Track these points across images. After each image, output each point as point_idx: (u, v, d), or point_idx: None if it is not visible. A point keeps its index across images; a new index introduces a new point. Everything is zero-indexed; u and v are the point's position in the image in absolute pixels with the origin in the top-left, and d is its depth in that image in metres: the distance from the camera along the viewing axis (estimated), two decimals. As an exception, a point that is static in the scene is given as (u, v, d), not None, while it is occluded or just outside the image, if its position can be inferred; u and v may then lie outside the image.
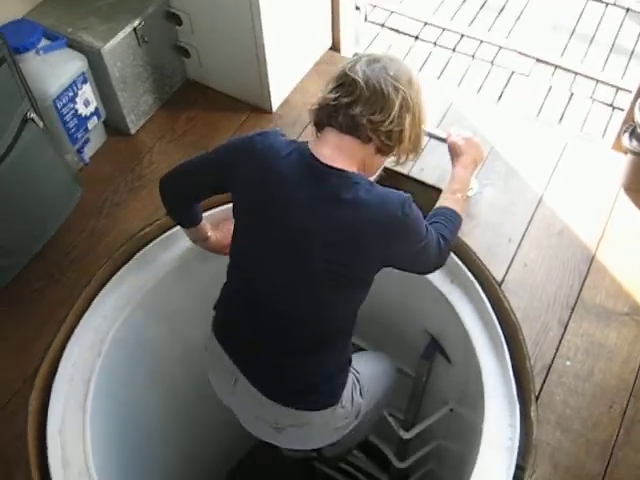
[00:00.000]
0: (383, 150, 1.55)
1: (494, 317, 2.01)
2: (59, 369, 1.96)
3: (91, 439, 1.88)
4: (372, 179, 1.60)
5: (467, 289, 2.11)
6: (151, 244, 2.20)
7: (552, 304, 2.03)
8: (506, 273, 2.10)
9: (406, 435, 2.50)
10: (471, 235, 2.17)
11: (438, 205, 1.80)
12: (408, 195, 1.54)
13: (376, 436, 2.68)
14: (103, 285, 2.12)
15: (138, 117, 2.48)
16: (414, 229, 1.56)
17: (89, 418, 1.91)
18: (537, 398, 1.88)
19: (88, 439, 1.87)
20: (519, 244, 2.15)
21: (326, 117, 1.51)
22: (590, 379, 1.90)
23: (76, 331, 2.03)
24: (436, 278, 2.13)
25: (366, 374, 1.92)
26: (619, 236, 2.16)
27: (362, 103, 1.44)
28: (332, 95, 1.47)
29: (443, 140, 2.04)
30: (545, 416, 1.85)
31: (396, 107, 1.45)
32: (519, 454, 1.80)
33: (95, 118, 2.29)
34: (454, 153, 1.91)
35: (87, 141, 2.34)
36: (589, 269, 2.09)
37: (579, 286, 2.06)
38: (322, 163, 1.49)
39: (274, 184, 1.54)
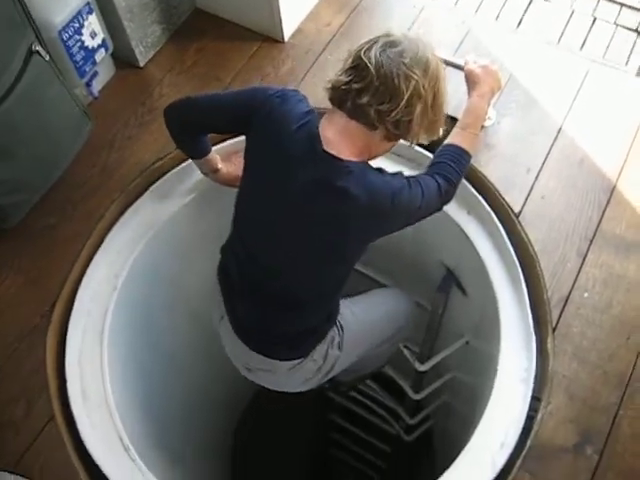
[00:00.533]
0: (390, 137, 1.54)
1: (511, 249, 1.99)
2: (75, 303, 1.98)
3: (109, 371, 1.90)
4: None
5: (484, 221, 2.07)
6: (164, 177, 2.18)
7: (570, 235, 2.00)
8: (524, 204, 2.06)
9: (421, 367, 2.52)
10: (489, 166, 2.13)
11: (447, 141, 1.78)
12: (401, 185, 1.57)
13: (392, 368, 2.69)
14: (116, 220, 2.12)
15: (147, 49, 2.41)
16: (406, 211, 1.61)
17: (107, 350, 1.93)
18: (554, 330, 1.87)
19: (106, 371, 1.90)
20: (538, 174, 2.11)
21: (337, 100, 1.50)
22: (608, 311, 1.89)
23: (91, 266, 2.04)
24: (452, 210, 2.09)
25: (365, 320, 1.99)
26: (641, 166, 2.11)
27: (371, 92, 1.41)
28: (344, 78, 1.45)
29: (460, 68, 1.98)
30: (562, 348, 1.84)
31: (405, 97, 1.41)
32: (535, 385, 1.81)
33: (103, 50, 2.23)
34: (471, 81, 1.86)
35: (95, 74, 2.28)
36: (609, 200, 2.05)
37: (598, 217, 2.02)
38: (323, 149, 1.51)
39: (280, 157, 1.59)
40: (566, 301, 1.91)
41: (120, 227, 2.10)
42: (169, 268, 2.27)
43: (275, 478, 3.41)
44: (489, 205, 2.07)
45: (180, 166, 2.18)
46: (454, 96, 2.21)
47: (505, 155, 2.15)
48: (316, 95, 2.29)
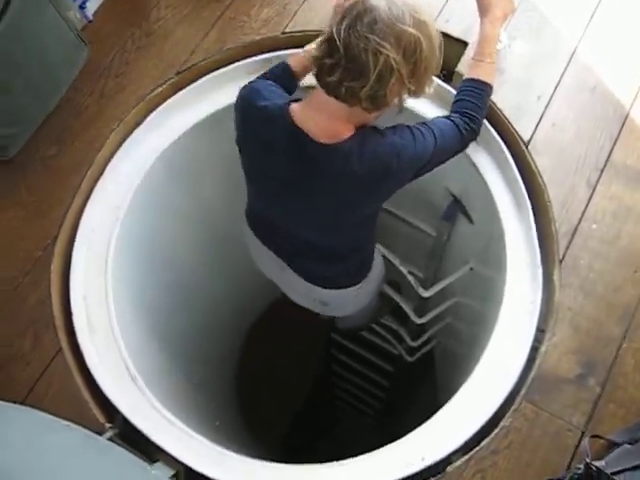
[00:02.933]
0: (371, 110, 1.45)
1: (519, 178, 1.95)
2: (77, 236, 1.96)
3: (114, 302, 1.91)
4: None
5: (492, 149, 2.02)
6: (164, 104, 2.13)
7: (581, 165, 1.96)
8: (534, 132, 2.01)
9: (425, 293, 2.53)
10: (498, 92, 2.05)
11: (467, 76, 1.76)
12: (404, 141, 1.55)
13: (396, 292, 2.71)
14: (116, 149, 2.07)
15: (142, -33, 2.31)
16: (414, 166, 1.61)
17: (111, 281, 1.93)
18: (561, 262, 1.85)
19: (111, 302, 1.91)
20: (549, 101, 2.04)
21: (315, 75, 1.43)
22: (616, 243, 1.86)
23: (92, 197, 2.01)
24: (460, 137, 2.05)
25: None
26: (657, 93, 2.04)
27: (341, 69, 1.35)
28: (317, 54, 1.39)
29: None
30: (568, 280, 1.83)
31: (374, 73, 1.33)
32: (540, 317, 1.81)
33: (96, -31, 2.13)
34: (482, 6, 1.78)
35: (89, -5, 2.19)
36: (622, 129, 1.99)
37: (610, 146, 1.97)
38: (311, 140, 1.50)
39: (269, 166, 1.66)
40: (574, 233, 1.88)
41: (120, 157, 2.07)
42: (171, 198, 2.25)
43: (280, 392, 3.48)
44: (497, 132, 2.01)
45: (180, 93, 2.13)
46: (463, 18, 2.15)
47: (515, 81, 2.08)
48: (318, 17, 2.22)
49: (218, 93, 2.15)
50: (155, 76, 2.16)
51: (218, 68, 2.16)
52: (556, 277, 1.84)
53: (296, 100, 1.56)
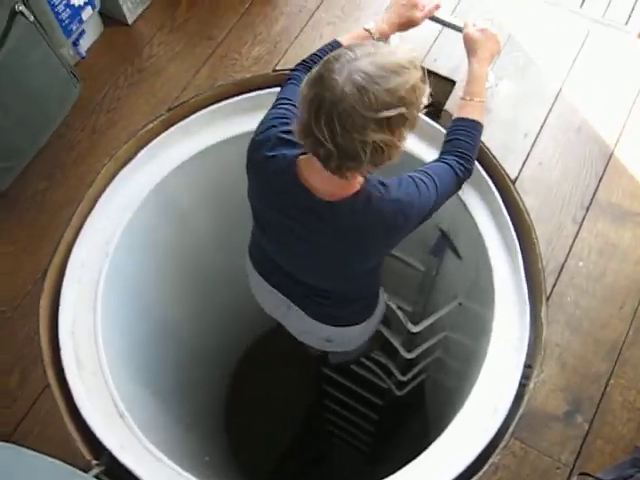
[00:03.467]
0: (372, 171, 1.45)
1: (507, 216, 1.98)
2: (67, 271, 1.96)
3: (103, 338, 1.90)
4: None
5: (480, 186, 2.05)
6: (155, 140, 2.14)
7: (567, 203, 1.99)
8: (521, 170, 2.04)
9: (414, 328, 2.53)
10: (485, 130, 2.05)
11: (457, 115, 1.78)
12: (410, 195, 1.56)
13: (385, 327, 2.71)
14: (107, 185, 2.08)
15: (135, 5, 2.33)
16: (420, 216, 1.61)
17: (100, 318, 1.93)
18: (548, 299, 1.87)
19: (100, 338, 1.90)
20: (535, 140, 2.08)
21: (310, 149, 1.40)
22: (602, 280, 1.89)
23: (82, 233, 2.02)
24: (448, 175, 2.07)
25: None
26: (639, 132, 2.08)
27: (336, 157, 1.33)
28: (308, 144, 1.37)
29: (458, 29, 1.94)
30: (555, 317, 1.85)
31: (367, 156, 1.32)
32: (528, 353, 1.82)
33: (89, 8, 2.15)
34: (470, 46, 1.82)
35: (82, 33, 2.21)
36: (606, 167, 2.03)
37: (595, 185, 2.01)
38: (316, 197, 1.51)
39: (275, 215, 1.65)
40: (561, 270, 1.90)
41: (111, 192, 2.07)
42: (162, 233, 2.26)
43: (269, 426, 3.46)
44: (485, 170, 2.04)
45: (171, 129, 2.15)
46: (451, 58, 2.19)
47: (502, 119, 2.12)
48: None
49: (209, 130, 2.17)
50: (146, 112, 2.18)
51: (209, 105, 2.18)
52: (543, 314, 1.86)
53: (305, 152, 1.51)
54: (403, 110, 1.29)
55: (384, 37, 1.80)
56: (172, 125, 2.16)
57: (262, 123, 1.63)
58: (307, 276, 1.83)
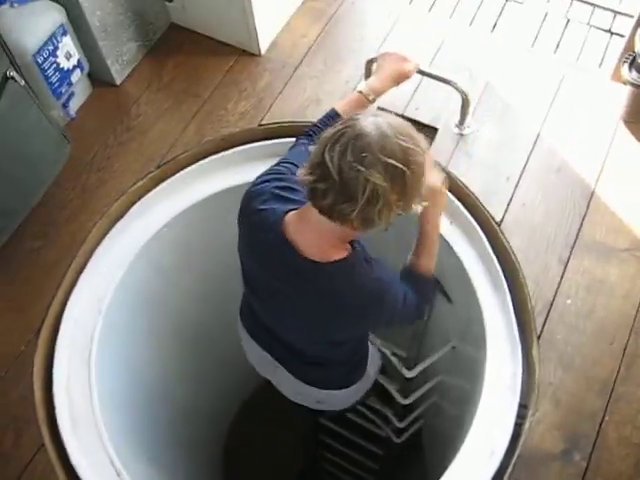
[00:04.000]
0: (360, 230, 1.47)
1: (494, 258, 2.01)
2: (61, 328, 1.97)
3: (98, 396, 1.90)
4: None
5: (466, 230, 2.09)
6: (145, 197, 2.18)
7: (552, 243, 2.02)
8: (505, 212, 2.08)
9: (409, 374, 2.53)
10: (469, 174, 2.14)
11: (409, 264, 1.83)
12: (389, 280, 1.63)
13: (380, 374, 2.70)
14: (99, 242, 2.11)
15: (123, 67, 2.40)
16: (390, 305, 1.65)
17: (94, 375, 1.92)
18: (539, 337, 1.89)
19: (95, 396, 1.89)
20: (517, 183, 2.13)
21: (308, 196, 1.44)
22: (591, 316, 1.91)
23: (75, 290, 2.03)
24: (435, 220, 2.11)
25: None
26: (619, 170, 2.13)
27: (334, 192, 1.36)
28: (310, 177, 1.39)
29: (444, 81, 2.02)
30: (547, 355, 1.86)
31: (363, 198, 1.35)
32: (521, 393, 1.83)
33: (78, 71, 2.22)
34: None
35: (72, 95, 2.27)
36: (588, 206, 2.07)
37: (579, 223, 2.05)
38: (300, 255, 1.52)
39: (260, 271, 1.69)
40: (550, 308, 1.93)
41: (103, 250, 2.10)
42: (154, 290, 2.27)
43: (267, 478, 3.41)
44: (471, 214, 2.09)
45: (160, 186, 2.18)
46: (433, 107, 2.25)
47: (485, 163, 2.17)
48: (293, 109, 2.31)
49: (198, 185, 2.21)
50: (136, 170, 2.22)
51: (197, 160, 2.22)
52: (535, 352, 1.87)
53: (295, 208, 1.55)
54: (407, 172, 1.34)
55: (379, 95, 1.81)
56: (162, 181, 2.19)
57: (259, 177, 1.66)
58: (292, 338, 1.85)
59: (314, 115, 2.28)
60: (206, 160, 2.22)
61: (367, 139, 1.33)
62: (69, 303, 2.01)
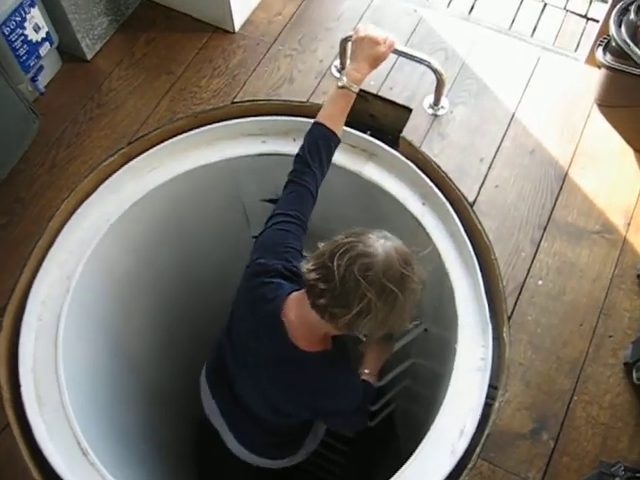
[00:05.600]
0: (344, 331, 1.60)
1: (466, 239, 2.01)
2: (27, 307, 1.94)
3: (65, 375, 1.87)
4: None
5: (439, 211, 2.08)
6: (115, 174, 2.14)
7: (524, 224, 2.02)
8: (478, 194, 2.07)
9: (381, 355, 2.52)
10: (442, 155, 2.14)
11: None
12: (355, 387, 1.84)
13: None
14: (67, 219, 2.07)
15: (94, 41, 2.35)
16: (341, 403, 1.83)
17: (62, 355, 1.89)
18: (509, 318, 1.89)
19: (62, 375, 1.87)
20: (491, 164, 2.12)
21: (306, 287, 1.55)
22: (561, 298, 1.91)
23: (42, 268, 1.99)
24: (408, 200, 2.11)
25: None
26: (592, 153, 2.14)
27: (331, 296, 1.47)
28: (313, 275, 1.50)
29: (419, 61, 2.02)
30: (517, 336, 1.87)
31: (354, 310, 1.46)
32: (492, 374, 1.83)
33: (47, 44, 2.16)
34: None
35: (41, 69, 2.21)
36: (561, 188, 2.07)
37: (551, 205, 2.05)
38: (288, 337, 1.66)
39: (247, 333, 1.81)
40: (521, 289, 1.93)
41: (71, 227, 2.06)
42: (124, 268, 2.24)
43: (239, 467, 3.40)
44: (444, 195, 2.08)
45: (131, 163, 2.15)
46: (407, 86, 2.24)
47: (458, 144, 2.16)
48: (267, 87, 2.29)
49: (169, 163, 2.18)
50: (106, 146, 2.18)
51: (169, 138, 2.19)
52: (505, 333, 1.87)
53: (299, 288, 1.65)
54: (400, 297, 1.47)
55: (360, 84, 1.82)
56: (132, 159, 2.16)
57: (273, 245, 1.76)
58: (250, 398, 1.98)
59: (288, 94, 2.27)
60: (178, 137, 2.19)
61: (375, 259, 1.45)
62: (36, 282, 1.97)
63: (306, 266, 1.52)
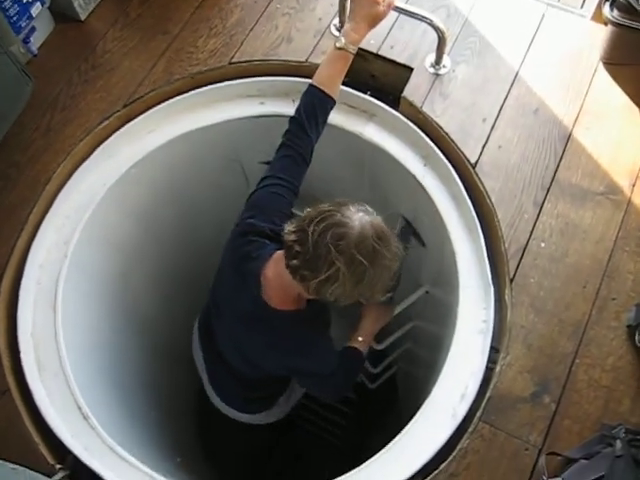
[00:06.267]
0: (314, 296, 1.62)
1: (468, 200, 1.97)
2: (25, 272, 1.93)
3: (64, 340, 1.86)
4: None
5: (441, 172, 2.05)
6: (111, 137, 2.11)
7: (527, 185, 1.99)
8: (480, 154, 2.03)
9: (383, 318, 2.51)
10: (444, 115, 2.09)
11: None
12: (320, 349, 1.84)
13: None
14: (64, 183, 2.05)
15: (87, 1, 2.29)
16: (310, 371, 1.89)
17: (61, 318, 1.89)
18: (511, 281, 1.87)
19: (61, 339, 1.86)
20: (494, 124, 2.08)
21: (284, 249, 1.60)
22: (564, 260, 1.89)
23: (39, 233, 1.98)
24: (409, 161, 2.07)
25: None
26: (597, 113, 2.09)
27: (303, 258, 1.53)
28: (291, 237, 1.56)
29: (420, 18, 1.96)
30: (519, 298, 1.85)
31: (324, 275, 1.52)
32: (493, 336, 1.82)
33: (39, 4, 2.11)
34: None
35: (33, 30, 2.17)
36: (565, 148, 2.03)
37: (555, 166, 2.01)
38: (261, 296, 1.73)
39: (228, 292, 1.88)
40: (523, 252, 1.90)
41: (68, 191, 2.04)
42: (122, 231, 2.22)
43: (240, 431, 3.43)
44: (445, 156, 2.04)
45: (128, 125, 2.12)
46: (408, 45, 2.19)
47: (461, 104, 2.11)
48: (264, 47, 2.24)
49: (166, 125, 2.14)
50: (102, 109, 2.15)
51: (166, 100, 2.15)
52: (507, 296, 1.86)
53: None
54: (369, 270, 1.52)
55: (358, 45, 1.79)
56: (129, 121, 2.13)
57: (264, 207, 1.79)
58: (230, 353, 2.04)
59: (286, 54, 2.22)
60: (175, 99, 2.15)
61: (348, 231, 1.51)
62: (33, 246, 1.96)
63: (288, 227, 1.58)
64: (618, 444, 1.58)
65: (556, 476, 1.58)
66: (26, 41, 2.15)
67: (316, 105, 1.79)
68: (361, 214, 1.54)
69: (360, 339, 2.05)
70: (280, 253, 1.66)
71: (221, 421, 2.43)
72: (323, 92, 1.79)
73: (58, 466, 1.71)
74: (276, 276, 1.69)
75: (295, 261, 1.54)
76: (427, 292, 2.45)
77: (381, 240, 1.53)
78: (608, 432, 1.65)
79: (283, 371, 1.98)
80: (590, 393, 1.74)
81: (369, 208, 1.58)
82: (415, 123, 2.09)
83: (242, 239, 1.78)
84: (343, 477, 1.69)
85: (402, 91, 2.13)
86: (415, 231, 2.31)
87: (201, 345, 2.22)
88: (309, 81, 1.81)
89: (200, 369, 2.28)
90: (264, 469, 3.88)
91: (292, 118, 1.81)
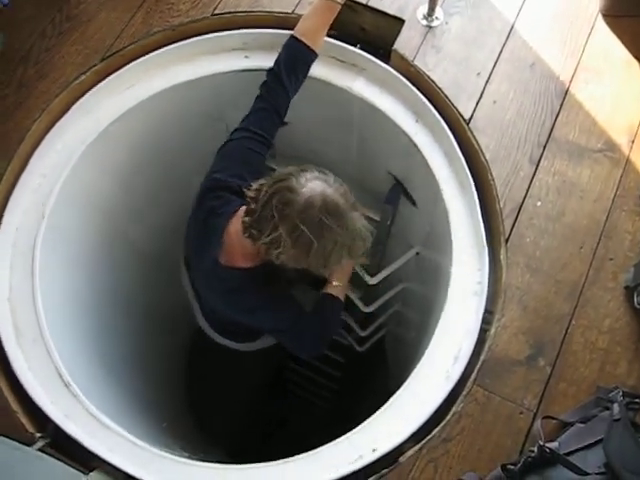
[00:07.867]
0: (262, 256, 1.62)
1: (462, 157, 1.91)
2: (0, 235, 1.85)
3: (43, 305, 1.80)
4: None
5: (433, 128, 1.98)
6: (89, 93, 2.03)
7: (523, 142, 1.92)
8: (474, 110, 1.97)
9: (372, 281, 2.47)
10: (437, 70, 2.02)
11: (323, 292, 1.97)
12: (275, 304, 1.79)
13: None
14: (39, 141, 1.97)
15: (60, -53, 2.18)
16: (274, 325, 1.86)
17: (39, 283, 1.82)
18: (507, 241, 1.82)
19: (40, 304, 1.80)
20: (488, 78, 2.01)
21: (248, 198, 1.60)
22: (561, 219, 1.84)
23: (15, 193, 1.90)
24: (400, 117, 2.01)
25: None
26: (595, 67, 2.02)
27: (252, 216, 1.55)
28: (251, 194, 1.57)
29: None
30: (515, 259, 1.80)
31: (267, 238, 1.52)
32: (488, 298, 1.77)
33: (9, -51, 2.00)
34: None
35: (3, -22, 2.06)
36: (562, 104, 1.97)
37: (551, 122, 1.95)
38: (221, 264, 1.72)
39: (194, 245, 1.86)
40: (519, 211, 1.85)
41: (44, 149, 1.96)
42: (102, 192, 2.14)
43: (231, 388, 3.40)
44: (438, 112, 1.98)
45: (106, 80, 2.03)
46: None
47: (454, 58, 2.04)
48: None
49: (146, 80, 2.06)
50: (78, 63, 2.06)
51: (146, 53, 2.06)
52: (502, 256, 1.81)
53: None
54: (315, 244, 1.49)
55: None
56: (107, 76, 2.04)
57: (234, 160, 1.77)
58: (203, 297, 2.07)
59: (270, 5, 2.13)
60: (155, 53, 2.06)
61: (295, 198, 1.48)
62: (8, 208, 1.89)
63: (253, 184, 1.57)
64: (615, 407, 1.54)
65: (552, 440, 1.54)
66: (-5, -11, 2.05)
67: (297, 59, 1.74)
68: (317, 182, 1.51)
69: (334, 283, 1.97)
70: (244, 208, 1.64)
71: (215, 357, 2.48)
72: (305, 45, 1.73)
73: (38, 434, 1.66)
74: (237, 231, 1.67)
75: (247, 218, 1.56)
76: (418, 253, 2.40)
77: (330, 214, 1.49)
78: (604, 395, 1.61)
79: (248, 324, 1.95)
80: (586, 356, 1.70)
81: (333, 178, 1.55)
82: (406, 77, 2.02)
83: (210, 194, 1.76)
84: (334, 442, 1.65)
85: (393, 44, 2.05)
86: (405, 190, 2.25)
87: (188, 274, 2.20)
88: (293, 32, 1.74)
89: (191, 299, 2.26)
90: (254, 431, 3.87)
91: (270, 70, 1.76)
